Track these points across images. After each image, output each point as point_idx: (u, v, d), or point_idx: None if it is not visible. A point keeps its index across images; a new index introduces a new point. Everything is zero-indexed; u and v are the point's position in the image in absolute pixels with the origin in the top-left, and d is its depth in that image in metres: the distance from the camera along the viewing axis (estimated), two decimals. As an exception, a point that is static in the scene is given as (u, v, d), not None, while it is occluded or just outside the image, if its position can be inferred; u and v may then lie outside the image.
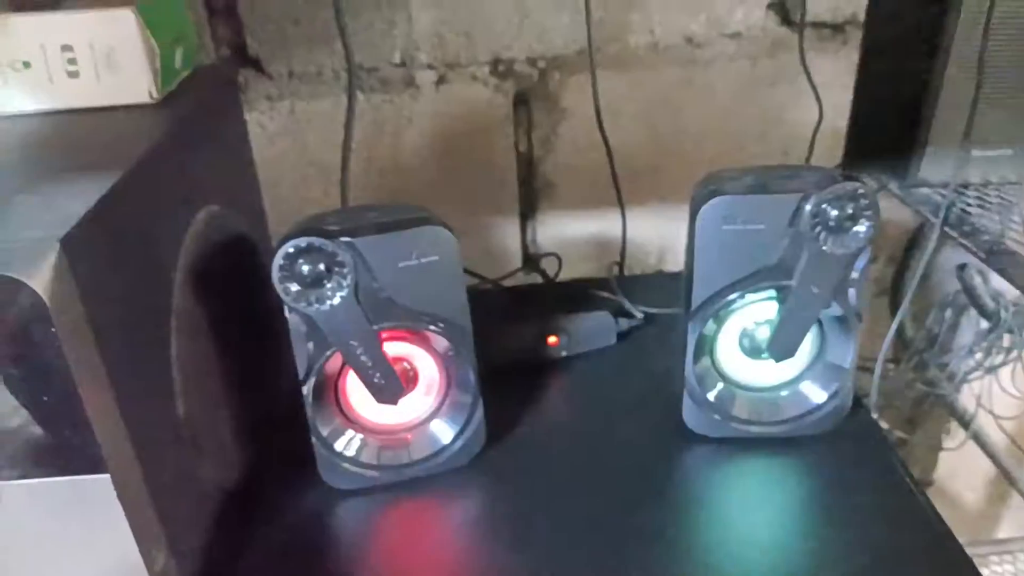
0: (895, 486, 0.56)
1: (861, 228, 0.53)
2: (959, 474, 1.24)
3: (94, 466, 0.43)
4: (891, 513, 0.54)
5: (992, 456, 1.04)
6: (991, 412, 1.00)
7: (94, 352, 0.41)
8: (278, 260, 0.50)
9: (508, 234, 1.00)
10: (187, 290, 0.54)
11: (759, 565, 0.51)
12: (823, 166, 0.82)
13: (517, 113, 0.93)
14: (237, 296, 0.62)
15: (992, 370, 0.97)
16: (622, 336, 0.75)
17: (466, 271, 0.89)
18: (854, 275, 0.55)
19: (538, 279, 1.02)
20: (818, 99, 0.87)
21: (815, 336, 0.59)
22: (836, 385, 0.59)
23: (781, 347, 0.57)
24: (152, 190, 0.50)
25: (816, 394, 0.59)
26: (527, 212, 0.99)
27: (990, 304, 0.90)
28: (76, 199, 0.42)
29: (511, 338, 0.71)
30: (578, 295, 0.82)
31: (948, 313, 0.97)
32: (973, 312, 0.99)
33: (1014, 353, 0.93)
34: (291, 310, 0.52)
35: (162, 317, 0.51)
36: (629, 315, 0.76)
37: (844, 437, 0.60)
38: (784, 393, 0.60)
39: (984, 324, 0.96)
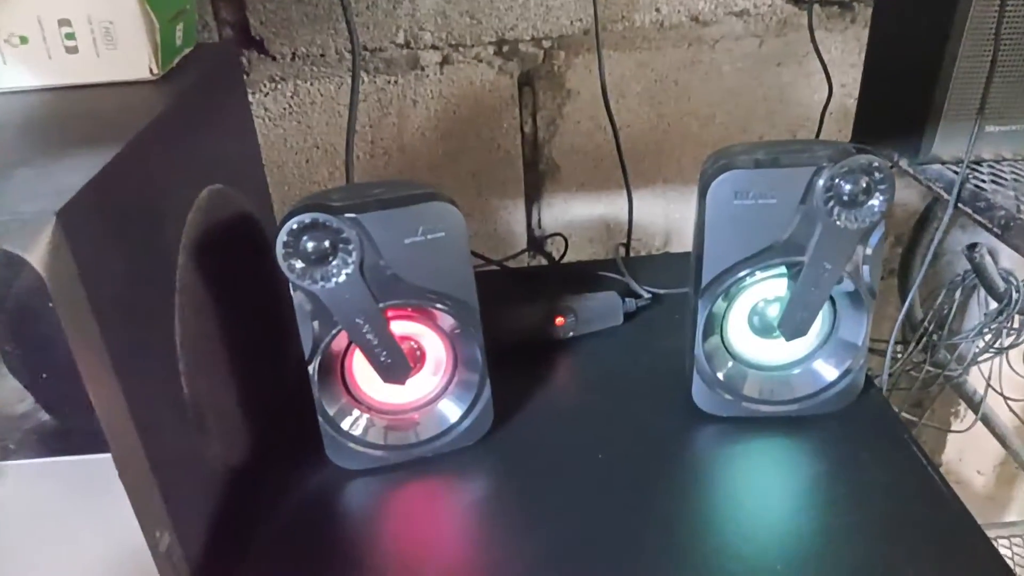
0: (909, 465, 0.56)
1: (875, 202, 0.52)
2: (967, 457, 1.24)
3: (96, 445, 0.42)
4: (906, 492, 0.54)
5: (1001, 438, 1.03)
6: (1001, 393, 1.00)
7: (94, 328, 0.41)
8: (282, 237, 0.49)
9: (514, 217, 0.99)
10: (191, 268, 0.53)
11: (771, 545, 0.50)
12: (836, 140, 0.81)
13: (522, 94, 0.92)
14: (243, 275, 0.61)
15: (1002, 351, 0.96)
16: (629, 316, 0.74)
17: (471, 252, 0.89)
18: (867, 251, 0.54)
19: (544, 262, 1.01)
20: (828, 76, 0.86)
21: (827, 313, 0.58)
22: (848, 363, 0.58)
23: (792, 325, 0.56)
24: (153, 166, 0.49)
25: (828, 372, 0.59)
26: (532, 194, 0.98)
27: (1000, 284, 0.89)
28: (75, 172, 0.41)
29: (518, 318, 0.71)
30: (584, 276, 0.81)
31: (957, 294, 0.96)
32: (982, 293, 0.98)
33: (1025, 334, 0.92)
34: (296, 288, 0.51)
35: (166, 295, 0.50)
36: (636, 295, 0.75)
37: (856, 417, 0.60)
38: (795, 371, 0.59)
39: (994, 305, 0.95)
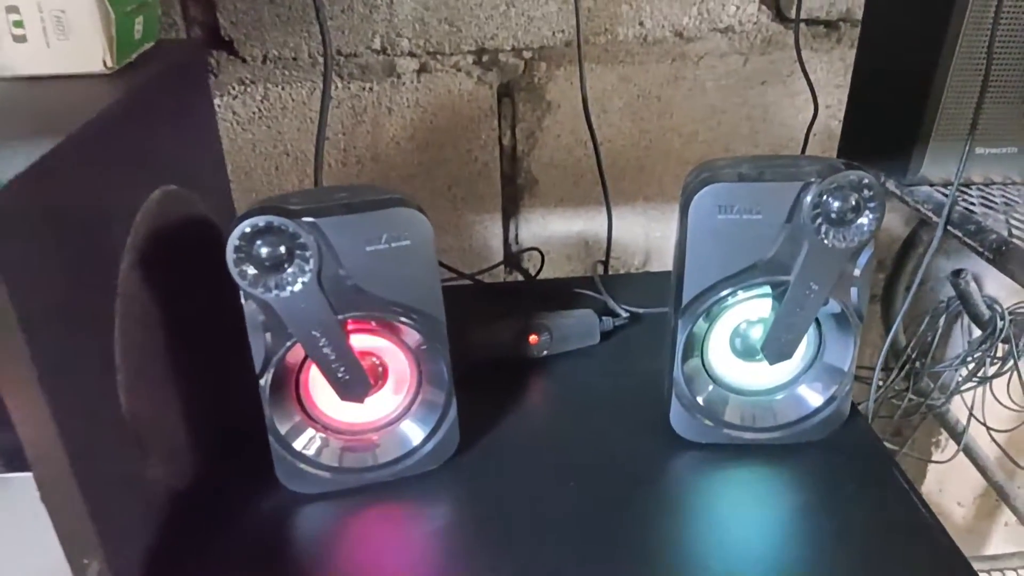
0: (896, 498, 0.53)
1: (865, 220, 0.49)
2: (947, 488, 1.21)
3: (16, 463, 0.39)
4: (893, 527, 0.51)
5: (983, 470, 1.01)
6: (984, 424, 0.97)
7: (18, 335, 0.37)
8: (233, 240, 0.45)
9: (490, 231, 0.96)
10: (136, 273, 0.50)
11: (751, 580, 0.47)
12: (825, 156, 0.79)
13: (501, 106, 0.90)
14: (195, 284, 0.58)
15: (986, 380, 0.94)
16: (606, 335, 0.71)
17: (442, 265, 0.85)
18: (856, 272, 0.52)
19: (520, 278, 0.98)
20: (813, 94, 0.84)
21: (812, 336, 0.55)
22: (834, 389, 0.55)
23: (776, 348, 0.53)
24: (98, 162, 0.46)
25: (813, 398, 0.56)
26: (510, 209, 0.96)
27: (985, 312, 0.87)
28: (5, 165, 0.38)
29: (490, 335, 0.67)
30: (561, 293, 0.78)
31: (941, 321, 0.94)
32: (966, 320, 0.96)
33: (1010, 363, 0.90)
34: (247, 296, 0.47)
35: (105, 301, 0.47)
36: (614, 314, 0.72)
37: (840, 446, 0.57)
38: (779, 397, 0.57)
39: (977, 333, 0.93)
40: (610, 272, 0.95)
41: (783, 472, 0.55)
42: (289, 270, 0.47)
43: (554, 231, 0.97)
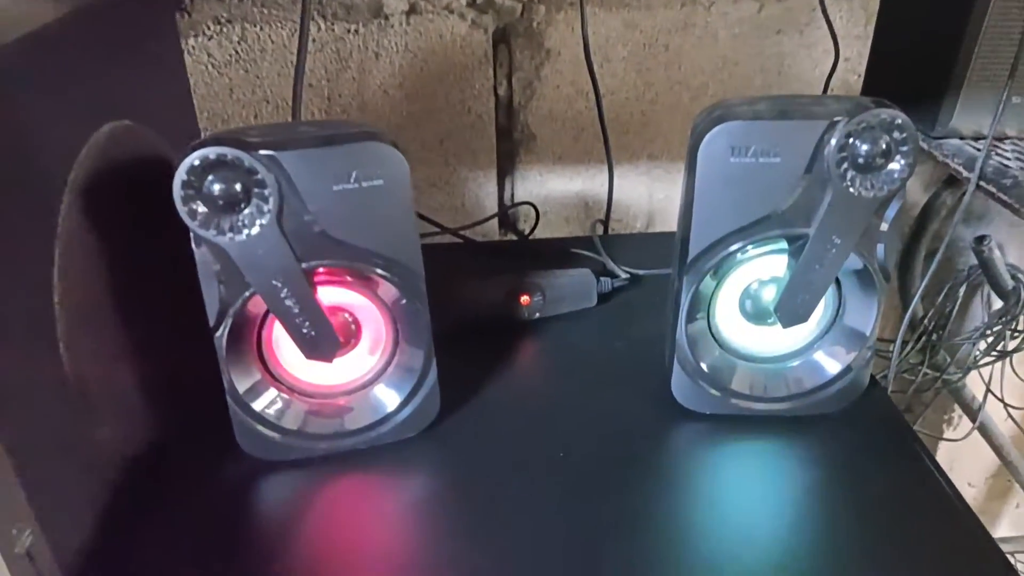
0: (917, 475, 0.48)
1: (896, 166, 0.44)
2: (958, 467, 1.17)
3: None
4: (914, 506, 0.46)
5: (998, 449, 0.96)
6: (1002, 400, 0.92)
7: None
8: (181, 175, 0.40)
9: (484, 189, 0.91)
10: (78, 213, 0.44)
11: (757, 566, 0.42)
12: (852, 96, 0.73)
13: (497, 53, 0.84)
14: (149, 229, 0.52)
15: (1005, 355, 0.89)
16: (604, 298, 0.66)
17: (423, 218, 0.80)
18: (883, 225, 0.46)
19: (514, 239, 0.93)
20: (835, 40, 0.78)
21: (831, 298, 0.50)
22: (854, 356, 0.50)
23: (791, 309, 0.48)
24: (34, 86, 0.41)
25: (830, 365, 0.51)
26: (505, 165, 0.90)
27: (1008, 281, 0.81)
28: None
29: (478, 294, 0.62)
30: (556, 253, 0.72)
31: (961, 291, 0.89)
32: (986, 291, 0.91)
33: (1032, 336, 0.85)
34: (199, 240, 0.42)
35: (42, 245, 0.42)
36: (612, 275, 0.67)
37: (857, 419, 0.52)
38: (792, 364, 0.51)
39: (998, 305, 0.88)
40: (611, 232, 0.90)
41: (794, 447, 0.50)
42: (246, 211, 0.41)
43: (552, 190, 0.91)
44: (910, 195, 0.95)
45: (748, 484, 0.48)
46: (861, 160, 0.43)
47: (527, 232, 0.86)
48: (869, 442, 0.50)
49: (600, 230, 0.83)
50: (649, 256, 0.71)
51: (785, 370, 0.51)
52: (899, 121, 0.43)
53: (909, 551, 0.43)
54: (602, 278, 0.65)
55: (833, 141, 0.43)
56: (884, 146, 0.43)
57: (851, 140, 0.43)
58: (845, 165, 0.43)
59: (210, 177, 0.40)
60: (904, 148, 0.43)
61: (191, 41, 0.79)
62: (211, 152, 0.40)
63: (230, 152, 0.40)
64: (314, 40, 0.80)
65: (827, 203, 0.44)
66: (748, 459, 0.50)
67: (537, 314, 0.63)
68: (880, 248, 0.47)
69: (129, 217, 0.50)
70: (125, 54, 0.53)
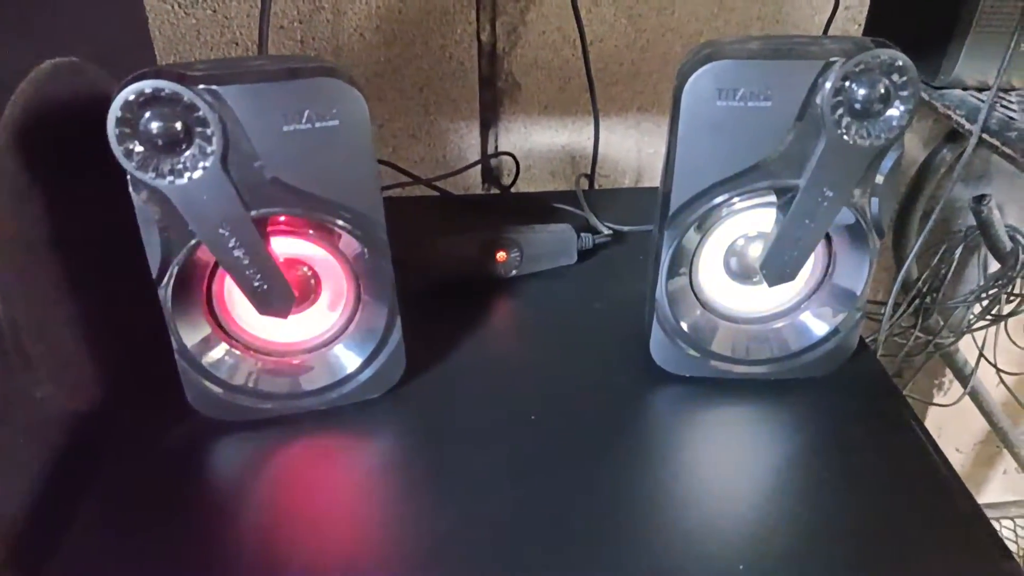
0: (907, 444, 0.46)
1: (895, 112, 0.40)
2: (946, 433, 1.15)
3: None
4: (903, 476, 0.44)
5: (988, 415, 0.95)
6: (994, 365, 0.90)
7: None
8: (115, 111, 0.36)
9: (466, 141, 0.87)
10: (12, 151, 0.41)
11: (736, 538, 0.40)
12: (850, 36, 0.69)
13: (480, -5, 0.79)
14: (95, 171, 0.49)
15: (1000, 319, 0.86)
16: (585, 255, 0.63)
17: (393, 166, 0.76)
18: (879, 178, 0.43)
19: (496, 193, 0.89)
20: (834, -13, 0.74)
21: (821, 255, 0.47)
22: (843, 316, 0.47)
23: (778, 266, 0.45)
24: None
25: (817, 326, 0.48)
26: (488, 117, 0.86)
27: (1007, 243, 0.78)
28: None
29: (451, 250, 0.59)
30: (537, 207, 0.69)
31: (957, 252, 0.86)
32: (983, 254, 0.88)
33: (1029, 300, 0.82)
34: (137, 184, 0.39)
35: (-35, 183, 0.38)
36: (595, 231, 0.64)
37: (845, 384, 0.49)
38: (778, 325, 0.49)
39: (994, 268, 0.85)
40: (596, 186, 0.86)
41: (779, 412, 0.48)
42: (187, 152, 0.38)
43: (537, 142, 0.88)
44: (909, 152, 0.92)
45: (728, 452, 0.46)
46: (858, 105, 0.40)
47: (508, 183, 0.82)
48: (856, 408, 0.48)
49: (585, 184, 0.80)
50: (635, 212, 0.68)
51: (770, 331, 0.49)
52: (900, 63, 0.39)
53: (893, 519, 0.41)
54: (583, 234, 0.62)
55: (828, 84, 0.40)
56: (883, 90, 0.40)
57: (847, 83, 0.40)
58: (840, 111, 0.40)
59: (147, 114, 0.37)
60: (904, 93, 0.40)
61: (153, -22, 0.74)
62: (147, 86, 0.36)
63: (167, 86, 0.36)
64: (285, -22, 0.76)
65: (819, 152, 0.41)
66: (728, 425, 0.48)
67: (514, 271, 0.60)
68: (875, 202, 0.44)
69: (70, 159, 0.47)
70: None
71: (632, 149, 0.89)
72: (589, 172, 0.82)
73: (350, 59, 0.80)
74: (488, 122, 0.86)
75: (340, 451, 0.46)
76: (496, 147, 0.88)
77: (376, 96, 0.82)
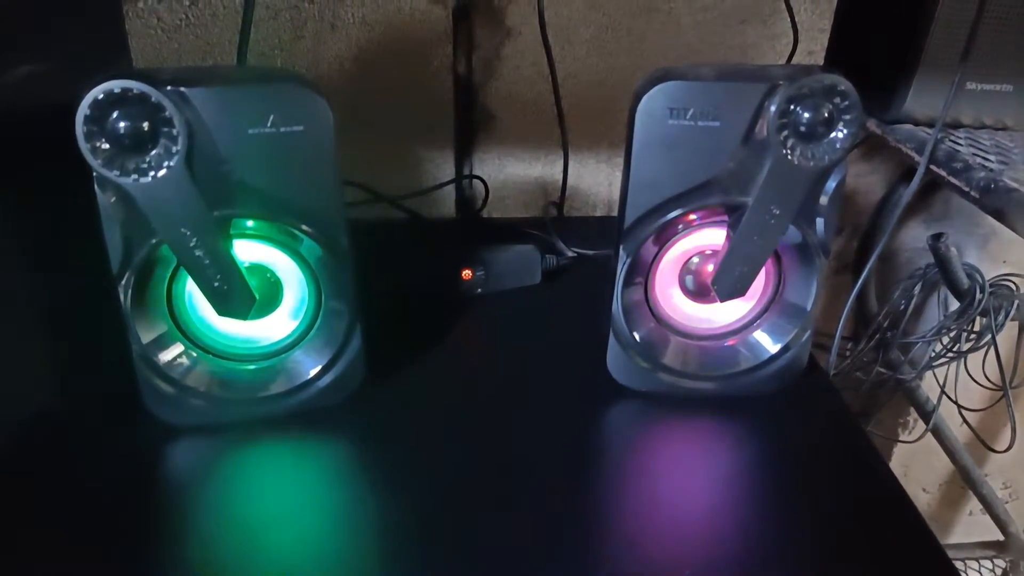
0: (859, 462, 0.46)
1: (839, 135, 0.42)
2: (913, 473, 1.16)
3: None
4: (855, 496, 0.44)
5: (951, 452, 0.96)
6: (956, 402, 0.92)
7: None
8: (84, 109, 0.37)
9: (442, 171, 0.88)
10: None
11: (681, 554, 0.40)
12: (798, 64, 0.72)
13: (457, 30, 0.82)
14: (53, 165, 0.50)
15: (961, 356, 0.88)
16: (549, 276, 0.64)
17: (358, 185, 0.77)
18: (823, 199, 0.45)
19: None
20: (795, 27, 0.77)
21: (771, 273, 0.49)
22: (793, 332, 0.48)
23: (729, 282, 0.46)
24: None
25: (767, 343, 0.49)
26: (463, 147, 0.88)
27: (964, 280, 0.81)
28: None
29: (417, 268, 0.60)
30: (505, 231, 0.71)
31: (917, 289, 0.88)
32: (943, 292, 0.90)
33: (987, 338, 0.84)
34: (102, 182, 0.40)
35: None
36: (560, 253, 0.65)
37: (797, 401, 0.50)
38: (729, 343, 0.50)
39: (955, 306, 0.87)
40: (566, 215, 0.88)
41: (728, 429, 0.48)
42: (153, 151, 0.39)
43: (511, 174, 0.89)
44: (871, 192, 0.94)
45: (677, 467, 0.46)
46: (802, 128, 0.42)
47: (478, 207, 0.84)
48: (807, 426, 0.49)
49: (553, 212, 0.81)
50: (601, 238, 0.69)
51: (722, 348, 0.50)
52: (842, 87, 0.41)
53: (843, 540, 0.41)
54: (547, 255, 0.64)
55: (773, 107, 0.42)
56: (826, 114, 0.42)
57: (792, 106, 0.42)
58: (786, 132, 0.42)
59: (115, 113, 0.38)
60: (847, 117, 0.42)
61: (139, 3, 0.76)
62: (116, 85, 0.37)
63: (136, 86, 0.37)
64: (268, 7, 0.78)
65: (766, 172, 0.43)
66: (679, 440, 0.48)
67: (479, 290, 0.61)
68: (820, 222, 0.45)
69: (30, 151, 0.47)
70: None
71: (603, 183, 0.91)
72: (557, 200, 0.84)
73: (328, 86, 0.81)
74: (462, 153, 0.88)
75: (300, 456, 0.46)
76: (471, 178, 0.89)
77: (354, 125, 0.84)
